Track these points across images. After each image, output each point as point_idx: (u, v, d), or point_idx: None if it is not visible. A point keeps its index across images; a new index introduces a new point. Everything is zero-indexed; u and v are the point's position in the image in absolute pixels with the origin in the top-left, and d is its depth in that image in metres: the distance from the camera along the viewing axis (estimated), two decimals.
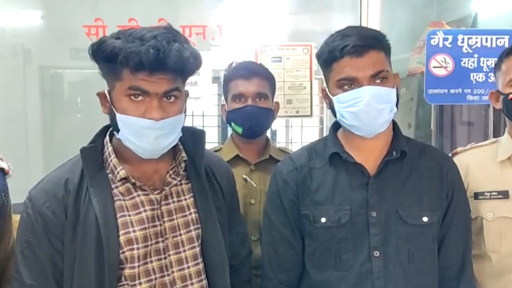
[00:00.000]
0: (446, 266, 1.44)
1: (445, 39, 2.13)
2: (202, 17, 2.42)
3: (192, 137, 1.31)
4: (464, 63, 2.15)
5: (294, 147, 2.93)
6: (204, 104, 2.22)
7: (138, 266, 1.20)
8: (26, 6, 2.70)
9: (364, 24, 2.33)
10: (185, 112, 1.25)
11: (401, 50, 2.99)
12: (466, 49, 2.14)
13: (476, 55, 2.14)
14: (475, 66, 2.15)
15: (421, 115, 3.00)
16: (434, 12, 3.30)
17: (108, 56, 1.13)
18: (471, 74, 2.15)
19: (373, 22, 2.34)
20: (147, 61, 1.10)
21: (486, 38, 2.13)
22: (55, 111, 2.94)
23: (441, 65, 2.14)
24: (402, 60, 2.96)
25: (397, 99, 1.38)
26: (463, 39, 2.14)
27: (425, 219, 1.39)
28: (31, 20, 2.74)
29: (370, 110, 1.32)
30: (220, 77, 2.37)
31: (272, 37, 2.49)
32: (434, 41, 2.13)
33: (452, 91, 2.15)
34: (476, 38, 2.14)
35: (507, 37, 2.13)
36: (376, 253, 1.37)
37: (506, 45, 2.10)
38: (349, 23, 2.61)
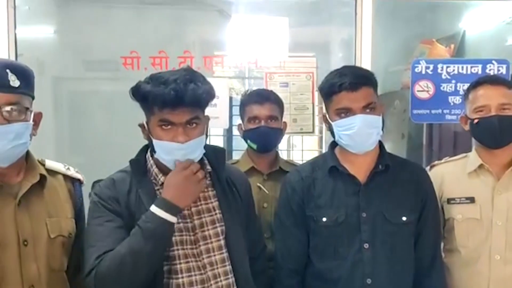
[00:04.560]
0: (421, 257, 1.67)
1: (427, 67, 2.36)
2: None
3: (214, 153, 1.58)
4: (443, 88, 2.37)
5: (295, 152, 3.17)
6: (222, 123, 2.49)
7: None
8: (41, 21, 2.73)
9: (358, 38, 2.51)
10: (206, 134, 1.51)
11: (395, 63, 3.12)
12: (445, 75, 2.36)
13: (453, 81, 2.36)
14: (453, 90, 2.37)
15: (414, 125, 3.06)
16: (426, 28, 3.31)
17: (142, 98, 1.43)
18: (449, 97, 2.38)
19: (366, 36, 2.50)
20: (169, 101, 1.39)
21: (462, 67, 2.36)
22: (68, 121, 2.94)
23: (424, 89, 2.36)
24: (396, 73, 3.08)
25: (383, 124, 1.63)
26: (442, 67, 2.36)
27: (404, 218, 1.63)
28: (46, 33, 2.79)
29: (362, 133, 1.58)
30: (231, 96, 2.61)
31: (273, 49, 2.65)
32: (418, 69, 2.36)
33: (433, 111, 2.37)
34: (454, 66, 2.37)
35: (480, 66, 2.37)
36: (366, 246, 1.61)
37: (479, 72, 2.36)
38: (346, 35, 2.72)
